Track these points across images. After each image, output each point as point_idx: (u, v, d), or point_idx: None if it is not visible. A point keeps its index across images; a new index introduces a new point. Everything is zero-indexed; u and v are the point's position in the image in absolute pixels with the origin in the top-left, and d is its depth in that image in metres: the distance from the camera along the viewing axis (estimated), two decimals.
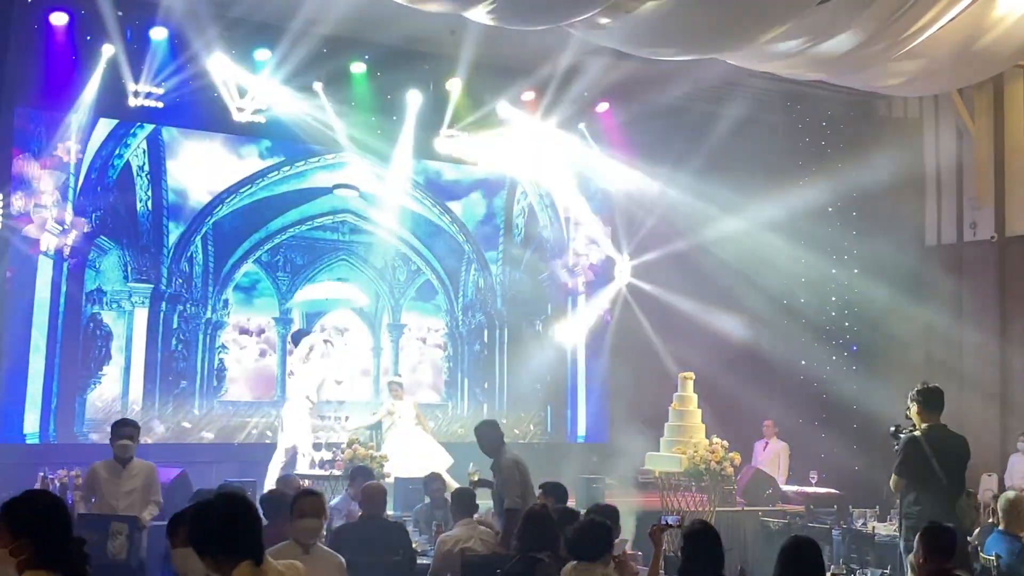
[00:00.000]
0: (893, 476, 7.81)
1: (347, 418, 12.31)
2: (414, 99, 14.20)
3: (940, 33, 10.27)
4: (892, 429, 8.37)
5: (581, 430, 15.89)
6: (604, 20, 9.80)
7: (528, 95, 14.65)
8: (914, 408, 7.86)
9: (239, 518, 3.76)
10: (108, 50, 12.31)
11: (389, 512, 10.48)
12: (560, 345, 15.89)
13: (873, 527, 10.33)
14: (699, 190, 14.82)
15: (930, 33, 10.14)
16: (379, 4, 10.59)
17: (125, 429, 8.53)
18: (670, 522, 6.56)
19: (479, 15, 9.99)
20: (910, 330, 14.58)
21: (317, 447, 11.78)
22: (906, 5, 9.57)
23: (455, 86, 14.21)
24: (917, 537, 6.00)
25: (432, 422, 13.77)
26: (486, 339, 15.45)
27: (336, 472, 11.30)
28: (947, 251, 14.85)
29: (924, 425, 7.75)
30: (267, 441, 13.54)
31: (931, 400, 7.84)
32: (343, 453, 11.38)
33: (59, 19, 12.03)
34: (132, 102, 12.68)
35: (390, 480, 11.32)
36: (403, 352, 14.87)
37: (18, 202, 12.16)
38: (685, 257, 15.17)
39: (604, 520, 6.26)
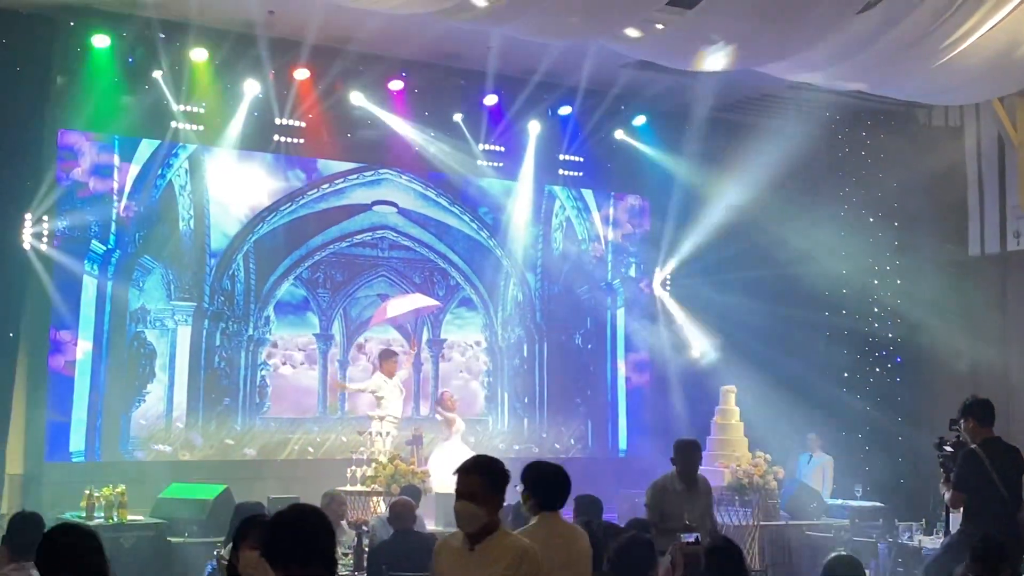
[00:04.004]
0: (951, 491, 7.72)
1: (388, 434, 12.32)
2: (454, 115, 14.26)
3: (980, 41, 10.19)
4: (937, 441, 8.30)
5: (622, 444, 15.84)
6: (635, 34, 9.82)
7: (565, 109, 14.69)
8: (967, 423, 7.78)
9: (316, 531, 3.79)
10: (150, 72, 12.45)
11: (433, 527, 10.52)
12: (600, 359, 15.87)
13: (919, 540, 10.21)
14: (737, 202, 14.76)
15: (971, 41, 10.07)
16: (415, 20, 10.66)
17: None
18: (689, 540, 6.49)
19: (512, 30, 10.05)
20: (955, 341, 14.41)
21: (359, 463, 11.81)
22: (945, 15, 9.50)
23: (492, 101, 14.27)
24: (969, 550, 5.95)
25: (472, 437, 13.79)
26: (525, 353, 15.44)
27: (378, 488, 11.33)
28: (991, 260, 14.68)
29: (979, 439, 7.67)
30: (308, 458, 13.63)
31: (985, 413, 7.78)
32: (384, 469, 11.41)
33: (101, 42, 12.17)
34: (174, 123, 12.83)
35: (432, 495, 11.35)
36: (443, 367, 14.89)
37: (64, 222, 12.30)
38: (725, 269, 15.10)
39: (647, 536, 6.22)
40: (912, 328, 14.74)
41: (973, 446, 7.67)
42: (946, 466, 8.00)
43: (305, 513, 3.89)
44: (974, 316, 14.56)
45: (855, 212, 14.86)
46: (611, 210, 16.00)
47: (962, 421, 7.83)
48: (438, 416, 13.21)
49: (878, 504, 12.51)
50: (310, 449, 13.72)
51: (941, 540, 8.91)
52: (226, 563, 5.87)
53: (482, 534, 4.67)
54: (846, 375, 14.80)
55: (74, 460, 12.33)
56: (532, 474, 5.42)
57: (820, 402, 14.46)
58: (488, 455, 4.92)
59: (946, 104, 14.62)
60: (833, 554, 5.25)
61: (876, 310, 14.81)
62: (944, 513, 8.63)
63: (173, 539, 10.29)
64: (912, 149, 14.70)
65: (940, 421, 8.70)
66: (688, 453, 8.49)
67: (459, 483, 4.72)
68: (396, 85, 13.76)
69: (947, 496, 7.85)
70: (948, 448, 8.08)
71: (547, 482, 5.37)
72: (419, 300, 14.03)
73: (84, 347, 12.48)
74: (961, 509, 7.79)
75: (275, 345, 13.80)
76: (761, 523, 11.45)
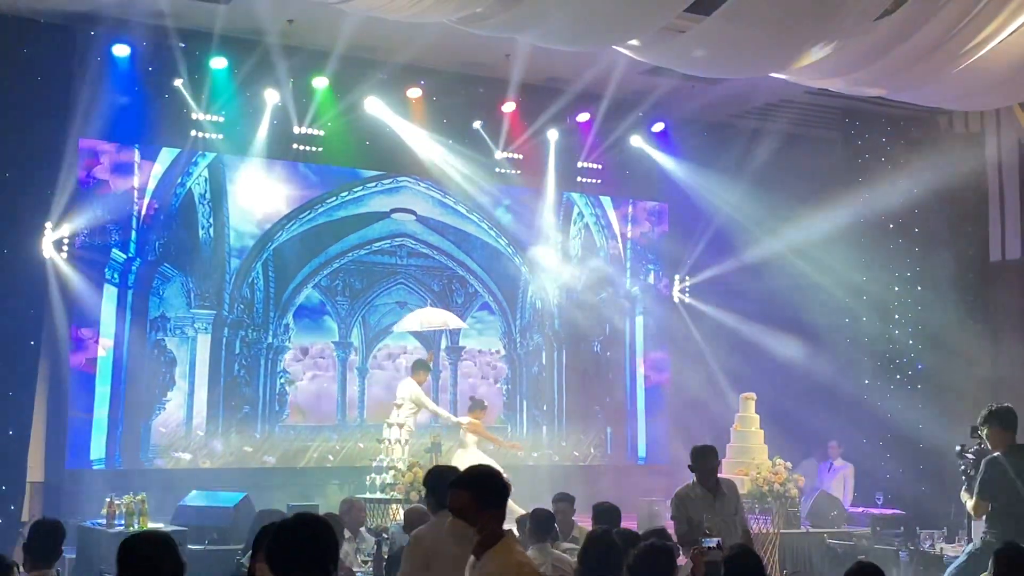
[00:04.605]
0: (975, 499, 7.66)
1: (407, 442, 12.32)
2: (472, 123, 14.29)
3: (1000, 46, 10.13)
4: (958, 449, 8.26)
5: (641, 451, 15.81)
6: (653, 43, 9.81)
7: (583, 116, 14.69)
8: (990, 430, 7.72)
9: (318, 540, 3.80)
10: (170, 81, 12.52)
11: None
12: (619, 366, 15.85)
13: (941, 548, 10.16)
14: (757, 208, 14.74)
15: (991, 47, 10.02)
16: (433, 29, 10.69)
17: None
18: (710, 545, 6.42)
19: (531, 37, 10.06)
20: (975, 347, 14.33)
21: (378, 470, 11.82)
22: (965, 19, 9.46)
23: (510, 108, 14.29)
24: (992, 558, 5.90)
25: (491, 444, 13.77)
26: (544, 361, 15.44)
27: (397, 495, 11.34)
28: (1012, 267, 14.60)
29: (1003, 446, 7.62)
30: (327, 465, 13.64)
31: (1006, 420, 7.72)
32: (403, 476, 11.42)
33: (121, 51, 12.26)
34: (193, 131, 12.89)
35: None
36: (461, 375, 14.90)
37: (84, 229, 12.34)
38: (744, 276, 15.07)
39: (668, 543, 6.19)
40: (933, 335, 14.65)
41: (996, 453, 7.61)
42: (968, 473, 7.96)
43: (307, 521, 3.91)
44: (995, 322, 14.47)
45: (875, 218, 14.79)
46: (629, 216, 15.99)
47: (984, 428, 7.78)
48: (462, 420, 13.15)
49: (899, 512, 12.45)
50: (329, 457, 13.74)
51: (963, 548, 8.85)
52: (246, 571, 5.89)
53: (482, 547, 4.59)
54: (866, 382, 14.72)
55: (95, 468, 12.38)
56: (431, 478, 6.11)
57: (840, 409, 14.40)
58: (483, 466, 4.89)
59: (966, 110, 14.55)
60: (854, 562, 5.20)
61: (896, 317, 14.74)
62: (966, 521, 8.57)
63: (193, 547, 10.29)
64: (932, 155, 14.62)
65: (961, 428, 8.64)
66: (704, 458, 8.44)
67: (449, 499, 4.65)
68: (414, 93, 13.78)
69: (968, 504, 7.79)
70: (970, 455, 8.03)
71: (444, 483, 5.32)
72: (451, 320, 13.97)
73: (105, 355, 12.53)
74: (984, 517, 7.73)
75: (294, 353, 13.82)
76: (781, 531, 11.40)
